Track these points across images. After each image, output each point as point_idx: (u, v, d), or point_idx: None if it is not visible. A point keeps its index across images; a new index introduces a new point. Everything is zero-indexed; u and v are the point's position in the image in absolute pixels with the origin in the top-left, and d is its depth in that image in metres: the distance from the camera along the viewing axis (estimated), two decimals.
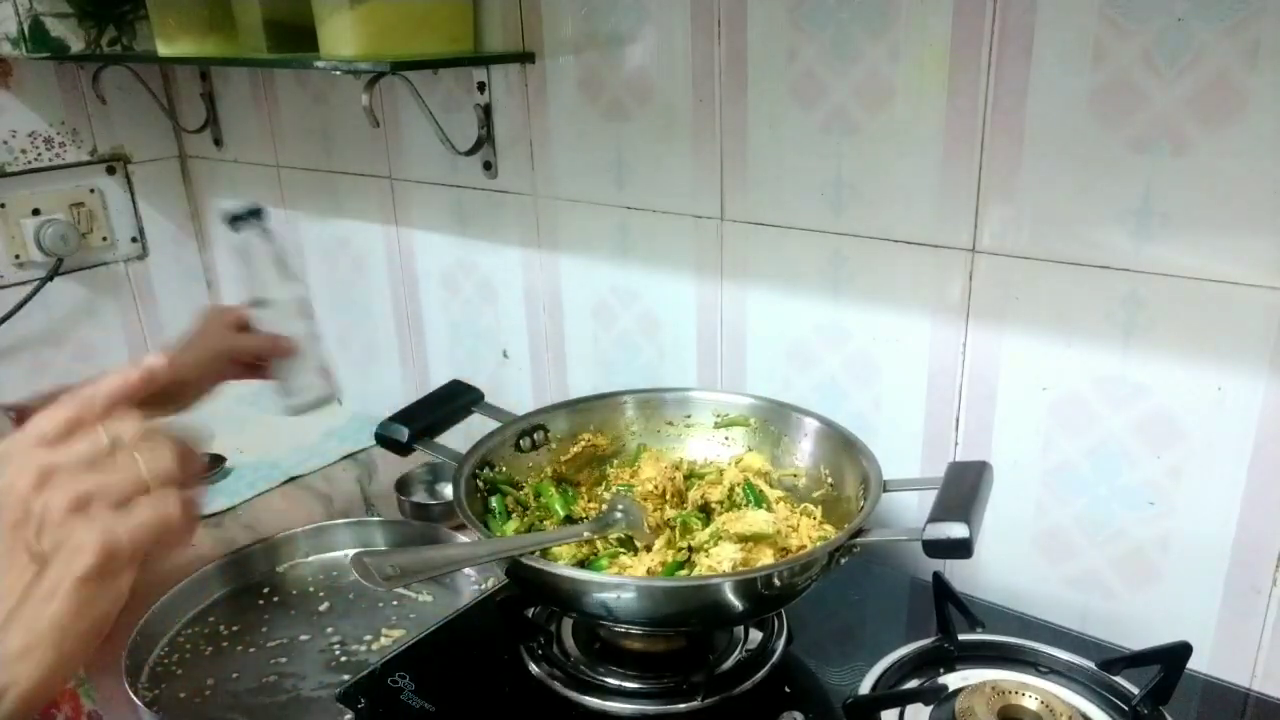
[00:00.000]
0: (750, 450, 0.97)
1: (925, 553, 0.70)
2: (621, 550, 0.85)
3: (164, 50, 1.29)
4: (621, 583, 0.76)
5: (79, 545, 0.52)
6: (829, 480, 0.91)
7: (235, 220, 1.03)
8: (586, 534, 0.84)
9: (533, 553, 0.76)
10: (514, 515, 0.90)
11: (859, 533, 0.74)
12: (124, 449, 0.55)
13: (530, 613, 0.90)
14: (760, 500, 0.88)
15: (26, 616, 0.52)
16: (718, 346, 1.11)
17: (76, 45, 1.38)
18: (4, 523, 0.53)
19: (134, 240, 1.64)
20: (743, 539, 0.82)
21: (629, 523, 0.85)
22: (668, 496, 0.91)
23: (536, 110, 1.15)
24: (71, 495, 0.52)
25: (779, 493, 0.92)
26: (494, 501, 0.90)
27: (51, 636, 0.52)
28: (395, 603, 1.07)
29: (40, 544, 0.52)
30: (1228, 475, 0.82)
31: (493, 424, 0.96)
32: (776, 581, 0.74)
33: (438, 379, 1.35)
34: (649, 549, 0.86)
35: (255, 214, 1.03)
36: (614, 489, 0.93)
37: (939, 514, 0.71)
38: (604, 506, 0.89)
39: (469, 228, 1.30)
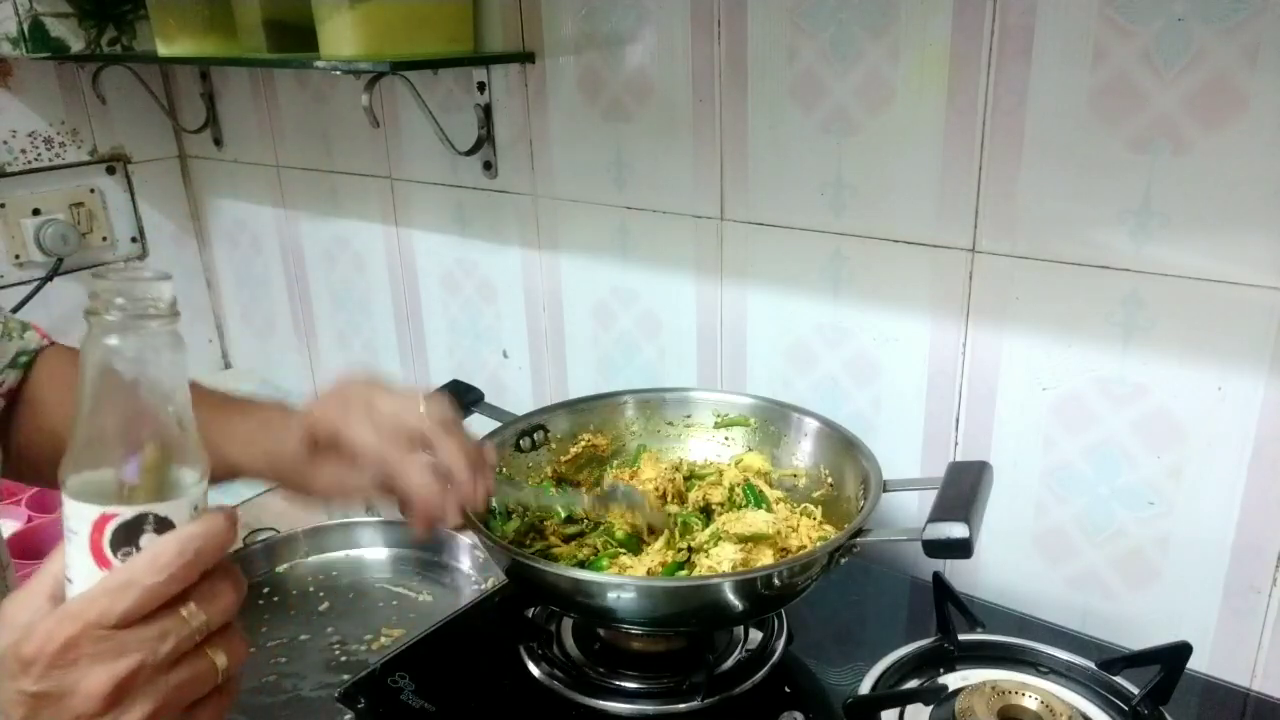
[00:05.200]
0: (750, 450, 0.97)
1: (925, 553, 0.70)
2: (621, 550, 0.85)
3: (164, 50, 1.29)
4: (621, 583, 0.76)
5: None
6: (829, 480, 0.91)
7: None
8: (586, 502, 0.85)
9: (532, 552, 0.76)
10: (514, 515, 0.90)
11: (859, 533, 0.74)
12: (201, 638, 0.46)
13: (530, 613, 0.90)
14: (760, 500, 0.88)
15: None
16: (718, 346, 1.11)
17: (76, 45, 1.38)
18: None
19: (134, 240, 1.64)
20: (743, 539, 0.82)
21: (630, 502, 0.85)
22: (668, 497, 0.91)
23: (536, 110, 1.15)
24: (145, 716, 0.44)
25: (779, 493, 0.92)
26: (494, 501, 0.90)
27: None
28: (395, 603, 1.07)
29: None
30: (1228, 475, 0.82)
31: (493, 424, 0.96)
32: (776, 581, 0.74)
33: (438, 379, 1.35)
34: (650, 535, 0.85)
35: None
36: None
37: (939, 514, 0.71)
38: (605, 487, 0.89)
39: (469, 228, 1.30)
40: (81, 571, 0.45)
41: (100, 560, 0.44)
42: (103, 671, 0.43)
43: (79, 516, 0.44)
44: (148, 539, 0.44)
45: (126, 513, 0.44)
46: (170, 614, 0.44)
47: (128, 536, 0.44)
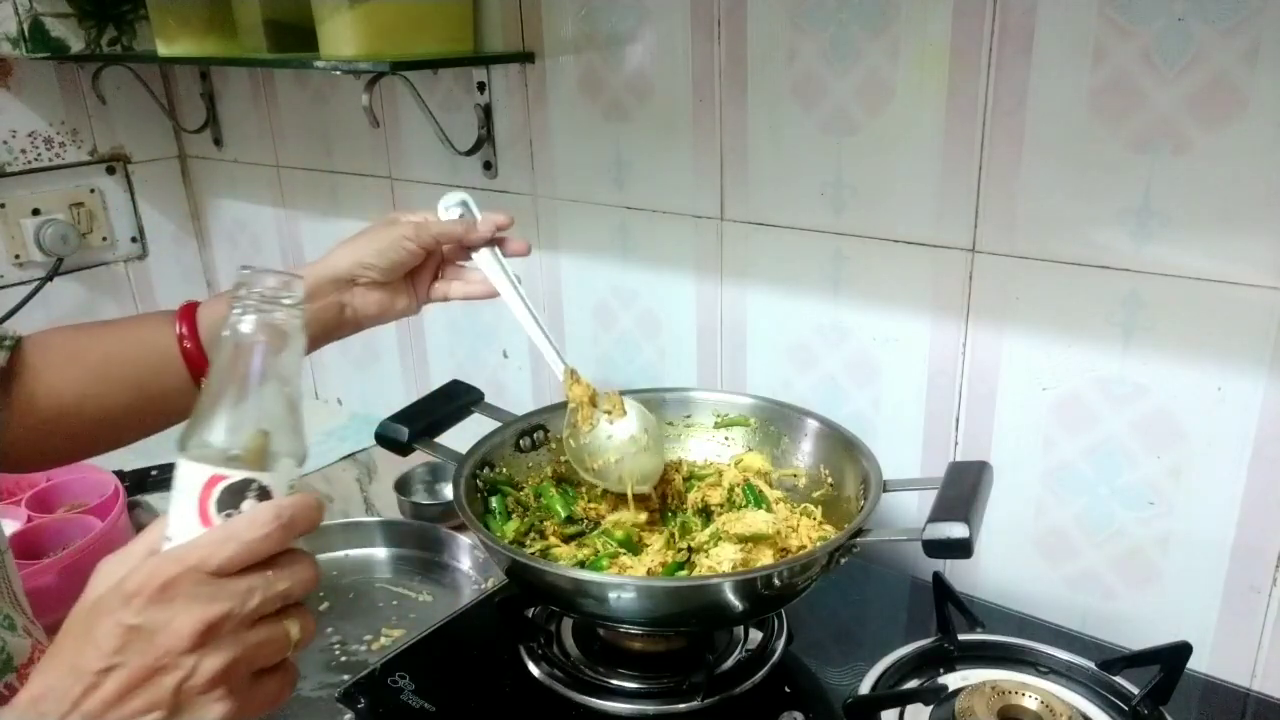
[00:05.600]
0: (750, 450, 0.97)
1: (925, 553, 0.70)
2: (622, 550, 0.85)
3: (164, 50, 1.29)
4: (621, 583, 0.76)
5: None
6: (829, 480, 0.91)
7: None
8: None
9: (532, 552, 0.76)
10: (514, 515, 0.90)
11: (859, 533, 0.74)
12: (279, 605, 0.50)
13: (530, 613, 0.90)
14: (760, 501, 0.88)
15: None
16: (718, 346, 1.11)
17: (76, 45, 1.38)
18: (137, 663, 0.47)
19: (134, 240, 1.64)
20: (742, 539, 0.82)
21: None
22: (668, 497, 0.91)
23: (536, 110, 1.15)
24: (226, 663, 0.48)
25: (779, 493, 0.92)
26: (494, 501, 0.90)
27: None
28: (395, 603, 1.07)
29: (172, 697, 0.47)
30: (1228, 475, 0.82)
31: (493, 424, 0.96)
32: (776, 581, 0.74)
33: (438, 379, 1.35)
34: (648, 530, 0.85)
35: None
36: None
37: (939, 514, 0.71)
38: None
39: None
40: (184, 527, 0.49)
41: (204, 518, 0.49)
42: (195, 611, 0.47)
43: (191, 476, 0.49)
44: (249, 503, 0.49)
45: (235, 476, 0.49)
46: (259, 574, 0.49)
47: (232, 498, 0.49)
